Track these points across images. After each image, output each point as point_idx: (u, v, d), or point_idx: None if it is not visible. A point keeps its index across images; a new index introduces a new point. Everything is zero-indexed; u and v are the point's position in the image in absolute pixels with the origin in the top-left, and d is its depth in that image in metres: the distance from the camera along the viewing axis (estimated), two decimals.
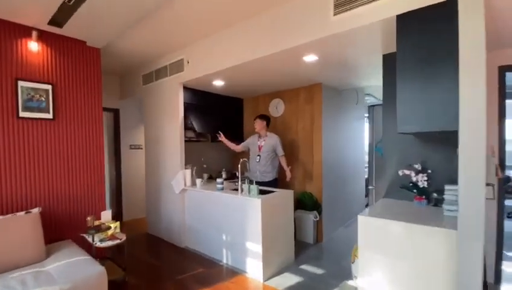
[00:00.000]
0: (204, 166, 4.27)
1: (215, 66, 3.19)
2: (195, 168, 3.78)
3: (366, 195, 6.08)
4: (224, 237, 3.16)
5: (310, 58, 2.81)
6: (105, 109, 4.69)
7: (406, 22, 1.90)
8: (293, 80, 3.76)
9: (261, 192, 3.06)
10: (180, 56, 3.57)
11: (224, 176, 4.33)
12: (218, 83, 3.71)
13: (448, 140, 2.40)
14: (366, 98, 5.97)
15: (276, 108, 4.33)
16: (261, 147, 3.73)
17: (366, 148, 3.08)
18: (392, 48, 2.60)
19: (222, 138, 3.83)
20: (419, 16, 1.84)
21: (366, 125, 6.25)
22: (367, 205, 6.05)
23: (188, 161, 3.93)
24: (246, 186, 3.06)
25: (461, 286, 1.68)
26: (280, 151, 3.70)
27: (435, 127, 1.82)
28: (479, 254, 1.65)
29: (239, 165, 3.18)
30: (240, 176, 3.15)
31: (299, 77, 3.64)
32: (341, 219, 4.55)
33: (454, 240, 1.74)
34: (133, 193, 5.04)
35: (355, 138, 5.19)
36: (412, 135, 2.55)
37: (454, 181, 2.40)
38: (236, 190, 3.29)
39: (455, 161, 2.41)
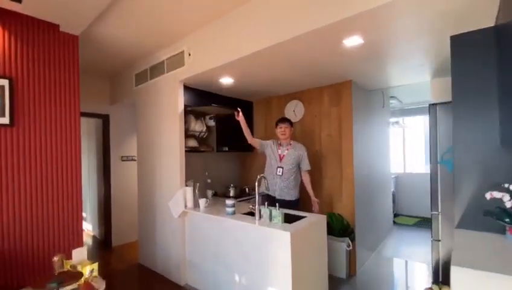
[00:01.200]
0: (209, 181, 3.52)
1: (223, 57, 2.48)
2: (198, 184, 3.02)
3: (393, 212, 5.31)
4: (237, 279, 2.39)
5: (353, 41, 2.09)
6: (93, 115, 3.99)
7: None
8: (317, 76, 3.03)
9: (285, 217, 2.31)
10: (180, 48, 2.87)
11: (232, 193, 3.57)
12: (226, 80, 3.00)
13: None
14: (391, 101, 5.29)
15: (294, 111, 3.61)
16: (283, 157, 2.96)
17: (425, 160, 2.35)
18: (465, 27, 1.92)
19: (240, 116, 2.93)
20: None
21: (392, 131, 5.52)
22: (394, 222, 5.28)
23: (189, 176, 3.18)
24: (265, 210, 2.31)
25: None
26: (307, 165, 2.98)
27: None
28: None
29: (256, 183, 2.43)
30: (257, 197, 2.40)
31: (325, 72, 2.91)
32: (372, 244, 3.78)
33: None
34: (125, 213, 4.26)
35: (383, 147, 4.48)
36: (502, 146, 1.83)
37: None
38: (252, 214, 2.54)
39: None
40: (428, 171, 5.61)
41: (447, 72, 2.99)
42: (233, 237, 2.42)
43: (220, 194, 3.69)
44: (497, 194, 1.79)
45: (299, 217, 2.41)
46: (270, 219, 2.26)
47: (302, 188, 3.06)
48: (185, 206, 2.83)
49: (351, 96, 3.21)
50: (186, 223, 2.90)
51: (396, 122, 5.53)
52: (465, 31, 1.93)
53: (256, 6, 2.22)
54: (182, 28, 2.64)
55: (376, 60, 2.58)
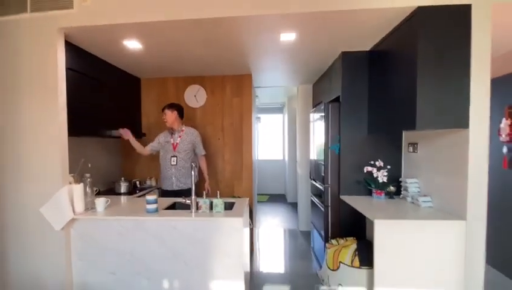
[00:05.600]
0: (88, 176, 2.52)
1: (141, 13, 1.84)
2: (89, 180, 2.10)
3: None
4: (167, 286, 1.90)
5: (288, 36, 2.17)
6: None
7: (426, 16, 1.76)
8: (224, 64, 2.90)
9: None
10: None
11: (124, 188, 2.75)
12: (132, 44, 2.25)
13: (394, 140, 2.55)
14: (256, 99, 5.92)
15: (195, 97, 3.27)
16: (176, 145, 2.69)
17: (318, 147, 2.85)
18: (352, 47, 2.46)
19: (128, 134, 2.62)
20: (439, 14, 1.75)
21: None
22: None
23: None
24: (204, 200, 1.98)
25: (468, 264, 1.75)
26: (201, 150, 2.81)
27: (449, 125, 1.79)
28: (483, 238, 1.75)
29: (192, 172, 2.02)
30: (193, 186, 2.00)
31: (231, 62, 2.84)
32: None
33: (463, 229, 1.75)
34: None
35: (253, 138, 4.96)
36: (368, 134, 2.54)
37: (399, 176, 2.60)
38: (175, 207, 2.12)
39: (401, 157, 2.64)
40: (280, 158, 6.73)
41: (311, 80, 3.76)
42: (159, 239, 1.89)
43: (103, 192, 2.74)
44: (369, 168, 2.49)
45: (231, 203, 2.26)
46: (212, 208, 1.96)
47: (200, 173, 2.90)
48: (73, 211, 1.89)
49: (251, 89, 3.33)
50: (74, 234, 1.95)
51: (258, 118, 6.26)
52: (351, 49, 2.52)
53: None
54: None
55: (285, 58, 2.74)
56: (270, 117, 6.98)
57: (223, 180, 3.32)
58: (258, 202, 5.92)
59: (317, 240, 3.13)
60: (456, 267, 1.76)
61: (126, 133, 2.62)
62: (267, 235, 3.94)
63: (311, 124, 3.43)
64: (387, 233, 1.81)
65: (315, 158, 3.21)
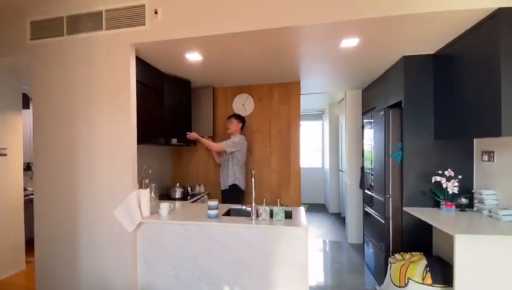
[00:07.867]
0: (147, 181, 2.68)
1: (206, 26, 1.94)
2: (154, 185, 2.24)
3: None
4: None
5: (350, 42, 2.14)
6: None
7: (509, 17, 1.64)
8: (275, 72, 2.94)
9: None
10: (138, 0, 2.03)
11: (178, 194, 2.88)
12: (193, 57, 2.38)
13: (464, 148, 2.37)
14: None
15: (243, 105, 3.35)
16: None
17: (379, 155, 2.71)
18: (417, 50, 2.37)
19: (195, 136, 3.02)
20: None
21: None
22: None
23: None
24: (264, 208, 2.00)
25: None
26: (224, 143, 2.90)
27: None
28: None
29: (252, 179, 2.06)
30: (254, 192, 2.03)
31: (282, 70, 2.87)
32: None
33: None
34: None
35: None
36: (434, 141, 2.39)
37: (469, 186, 2.40)
38: (229, 213, 2.16)
39: (471, 166, 2.44)
40: (319, 166, 6.57)
41: (361, 85, 3.64)
42: (221, 245, 1.94)
43: (159, 197, 2.89)
44: (438, 178, 2.33)
45: (288, 212, 2.25)
46: (273, 216, 1.97)
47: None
48: (141, 214, 2.02)
49: (299, 95, 3.33)
50: (140, 237, 2.07)
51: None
52: (414, 53, 2.40)
53: None
54: None
55: (335, 64, 2.70)
56: (308, 124, 6.91)
57: (269, 188, 3.33)
58: None
59: (371, 254, 2.98)
60: None
61: (192, 136, 2.96)
62: (313, 246, 3.84)
63: (363, 131, 3.33)
64: (469, 249, 1.66)
65: (368, 166, 3.09)
